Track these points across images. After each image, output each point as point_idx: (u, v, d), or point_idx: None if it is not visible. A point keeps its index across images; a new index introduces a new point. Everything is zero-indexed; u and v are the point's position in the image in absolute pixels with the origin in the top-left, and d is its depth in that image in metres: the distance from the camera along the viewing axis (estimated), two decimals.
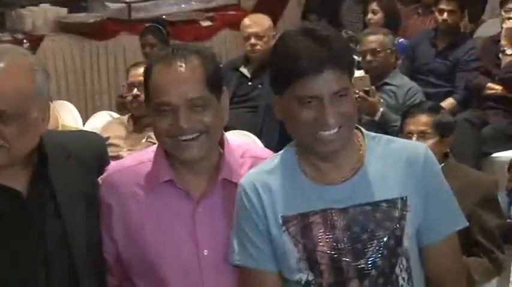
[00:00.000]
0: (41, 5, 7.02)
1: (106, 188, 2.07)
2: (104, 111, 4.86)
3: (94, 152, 2.14)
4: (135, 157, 2.20)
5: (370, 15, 6.27)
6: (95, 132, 2.62)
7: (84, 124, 4.81)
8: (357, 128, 1.94)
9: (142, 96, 3.69)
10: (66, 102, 5.03)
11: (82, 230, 2.00)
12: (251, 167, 2.03)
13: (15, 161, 1.91)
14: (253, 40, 5.06)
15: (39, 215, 1.96)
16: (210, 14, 7.60)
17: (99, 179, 2.08)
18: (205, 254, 2.01)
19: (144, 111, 3.53)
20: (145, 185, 2.04)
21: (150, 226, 2.02)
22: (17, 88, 1.86)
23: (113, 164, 2.15)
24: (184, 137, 1.94)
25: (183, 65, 1.95)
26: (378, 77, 4.85)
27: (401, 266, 1.88)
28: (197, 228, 2.01)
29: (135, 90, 3.99)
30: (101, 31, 6.99)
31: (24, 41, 6.12)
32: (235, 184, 1.97)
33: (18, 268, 1.92)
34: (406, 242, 1.87)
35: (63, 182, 1.99)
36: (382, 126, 4.41)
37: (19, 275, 1.92)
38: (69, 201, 1.99)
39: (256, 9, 7.10)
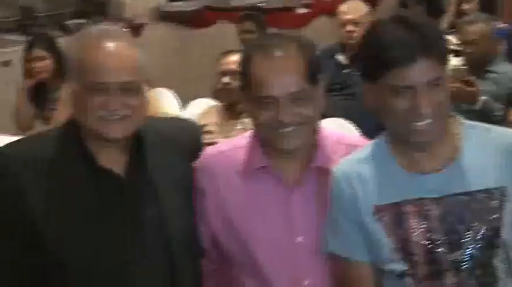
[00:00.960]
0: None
1: (201, 173, 2.10)
2: (202, 99, 4.90)
3: (189, 139, 2.18)
4: (229, 143, 2.22)
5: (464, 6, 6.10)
6: (190, 119, 2.65)
7: (182, 111, 4.89)
8: (453, 116, 1.90)
9: (233, 84, 3.82)
10: (165, 90, 5.10)
11: (178, 214, 2.04)
12: (345, 154, 2.01)
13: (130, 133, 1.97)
14: (349, 27, 4.98)
15: (137, 199, 2.00)
16: (307, 1, 7.58)
17: (195, 165, 2.11)
18: (299, 240, 2.01)
19: (236, 98, 3.61)
20: (240, 170, 2.05)
21: (244, 210, 2.04)
22: (137, 60, 1.95)
23: (208, 150, 2.17)
24: (283, 130, 1.94)
25: (284, 57, 1.95)
26: (480, 66, 4.72)
27: (500, 257, 1.83)
28: (291, 214, 2.01)
29: (226, 79, 4.01)
30: (199, 19, 7.06)
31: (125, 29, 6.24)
32: (329, 171, 1.96)
33: (115, 251, 1.95)
34: (505, 233, 1.82)
35: (159, 166, 2.03)
36: (484, 115, 4.28)
37: (116, 258, 1.96)
38: (165, 185, 2.03)
39: None
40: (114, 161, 1.98)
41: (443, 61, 1.82)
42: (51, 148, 1.97)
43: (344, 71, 4.99)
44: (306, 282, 2.02)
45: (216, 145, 2.28)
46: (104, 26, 2.02)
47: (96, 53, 1.91)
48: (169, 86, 5.27)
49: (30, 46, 4.83)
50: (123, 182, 1.99)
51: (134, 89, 1.93)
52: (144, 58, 1.98)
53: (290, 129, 1.94)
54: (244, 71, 2.00)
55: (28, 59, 4.76)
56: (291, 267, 2.02)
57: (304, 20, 7.38)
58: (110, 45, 1.92)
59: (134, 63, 1.94)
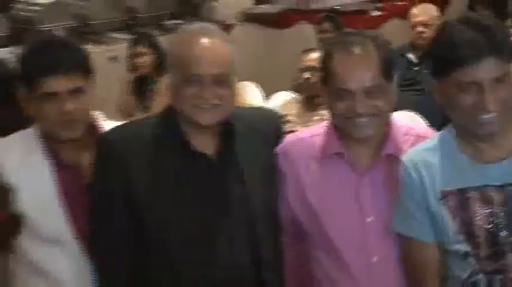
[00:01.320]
0: (235, 2, 7.24)
1: (282, 158, 2.09)
2: (283, 92, 4.90)
3: (272, 126, 2.18)
4: (308, 131, 2.20)
5: None
6: (273, 109, 2.64)
7: (265, 102, 4.89)
8: None
9: (313, 79, 3.80)
10: (250, 83, 5.11)
11: (260, 193, 2.04)
12: (414, 144, 1.98)
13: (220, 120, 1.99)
14: (420, 28, 4.93)
15: (225, 179, 2.02)
16: (379, 5, 7.50)
17: (277, 150, 2.10)
18: (369, 221, 2.00)
19: (315, 92, 3.64)
20: (317, 155, 2.05)
21: (320, 192, 2.03)
22: (228, 55, 1.97)
23: (288, 137, 2.17)
24: (358, 120, 1.92)
25: (362, 54, 1.93)
26: None
27: None
28: (361, 197, 2.00)
29: (307, 74, 3.97)
30: (282, 20, 7.07)
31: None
32: (398, 159, 1.93)
33: (204, 222, 1.97)
34: None
35: (245, 150, 2.04)
36: None
37: (205, 228, 1.98)
38: (250, 167, 2.04)
39: None
40: (205, 144, 2.00)
41: (509, 59, 1.77)
42: (150, 132, 2.01)
43: (414, 69, 4.93)
44: (375, 259, 2.00)
45: (295, 133, 2.28)
46: (201, 24, 2.04)
47: (193, 48, 1.93)
48: (254, 80, 5.27)
49: (134, 43, 4.91)
50: (212, 163, 2.00)
51: (225, 81, 1.94)
52: (234, 54, 1.99)
53: (364, 119, 1.92)
54: (325, 66, 1.98)
55: (132, 55, 4.85)
56: (361, 244, 2.00)
57: (377, 22, 7.31)
58: (206, 41, 1.94)
59: (226, 57, 1.96)
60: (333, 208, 2.02)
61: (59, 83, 2.01)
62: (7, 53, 5.22)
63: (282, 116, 2.32)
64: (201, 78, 1.91)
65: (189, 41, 1.95)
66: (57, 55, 2.03)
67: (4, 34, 5.79)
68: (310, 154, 2.06)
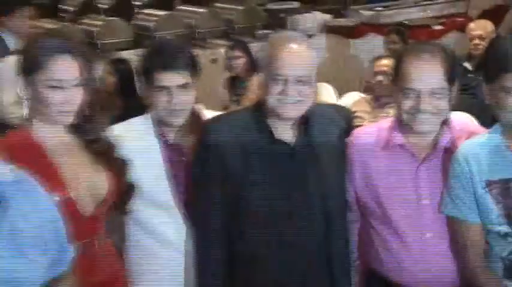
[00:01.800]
0: (313, 12, 7.15)
1: (352, 147, 2.08)
2: (354, 92, 4.85)
3: (344, 120, 2.16)
4: (375, 125, 2.20)
5: None
6: (345, 106, 2.63)
7: (338, 101, 4.85)
8: None
9: (384, 81, 3.77)
10: (325, 84, 5.07)
11: (332, 175, 2.05)
12: (466, 139, 1.96)
13: (298, 115, 1.99)
14: (476, 41, 4.82)
15: (303, 162, 2.02)
16: (441, 20, 7.30)
17: (347, 140, 2.10)
18: (425, 203, 1.98)
19: (384, 92, 3.68)
20: (383, 145, 2.03)
21: (382, 177, 2.02)
22: (312, 59, 1.97)
23: (358, 130, 2.16)
24: (421, 116, 1.91)
25: (430, 59, 1.91)
26: None
27: None
28: (419, 182, 1.98)
29: (379, 77, 3.95)
30: (355, 32, 6.96)
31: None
32: (453, 151, 1.93)
33: (285, 200, 1.99)
34: None
35: (320, 139, 2.03)
36: None
37: (286, 205, 2.00)
38: (325, 153, 2.04)
39: (481, 16, 6.70)
40: (287, 134, 2.01)
41: None
42: (242, 123, 2.04)
43: (469, 76, 4.79)
44: (428, 235, 1.99)
45: (364, 126, 2.27)
46: (290, 32, 2.05)
47: (281, 52, 1.94)
48: (329, 82, 5.23)
49: (231, 48, 4.96)
50: (293, 149, 2.01)
51: (306, 81, 1.95)
52: (315, 58, 1.99)
53: (426, 116, 1.90)
54: (398, 68, 1.97)
55: (229, 58, 4.89)
56: (416, 222, 1.99)
57: (439, 34, 7.11)
58: (292, 46, 1.95)
59: (308, 61, 1.96)
60: (394, 190, 2.00)
61: (170, 79, 2.05)
62: (131, 54, 5.34)
63: (351, 111, 2.31)
64: (286, 78, 1.92)
65: (278, 46, 1.96)
66: (170, 56, 2.07)
67: (129, 39, 5.93)
68: (377, 143, 2.04)
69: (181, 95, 2.07)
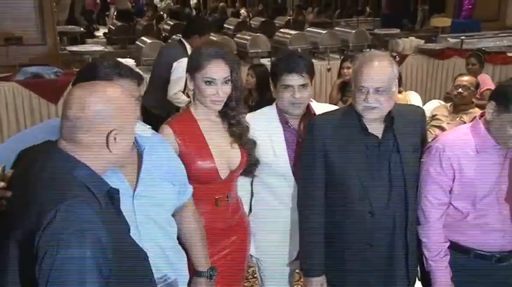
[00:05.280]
0: (409, 37, 6.84)
1: (444, 149, 1.88)
2: (436, 100, 4.57)
3: (419, 118, 2.00)
4: (459, 131, 1.97)
5: None
6: (419, 107, 2.39)
7: (423, 106, 4.59)
8: None
9: (464, 94, 3.59)
10: (413, 92, 4.81)
11: (411, 162, 1.90)
12: None
13: (382, 117, 1.87)
14: None
15: (387, 150, 1.90)
16: None
17: (438, 145, 1.90)
18: (502, 187, 1.83)
19: (462, 102, 3.56)
20: (473, 148, 1.85)
21: (474, 171, 1.84)
22: (390, 73, 1.82)
23: (446, 135, 1.98)
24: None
25: None
26: None
27: None
28: (503, 174, 1.83)
29: (460, 90, 3.69)
30: (442, 55, 6.55)
31: (396, 57, 5.97)
32: None
33: (373, 181, 1.86)
34: None
35: (401, 132, 1.90)
36: None
37: (374, 185, 1.87)
38: (405, 145, 1.90)
39: None
40: (375, 129, 1.89)
41: None
42: (341, 118, 1.93)
43: None
44: (505, 212, 1.85)
45: (453, 132, 2.02)
46: (375, 51, 1.94)
47: (364, 67, 1.82)
48: (418, 91, 4.96)
49: (342, 61, 4.82)
50: (380, 141, 1.89)
51: (383, 91, 1.81)
52: (393, 73, 1.83)
53: None
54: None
55: (341, 68, 4.75)
56: (498, 202, 1.84)
57: (511, 60, 6.50)
58: (373, 63, 1.82)
59: (386, 75, 1.81)
60: (482, 181, 1.83)
61: (294, 79, 2.01)
62: (267, 61, 5.46)
63: (425, 112, 2.10)
64: (367, 89, 1.81)
65: (362, 63, 1.84)
66: (295, 62, 2.03)
67: (268, 50, 5.98)
68: (467, 146, 1.85)
69: (301, 92, 2.02)
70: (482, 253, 1.88)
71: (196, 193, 1.83)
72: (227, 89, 1.89)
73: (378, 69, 1.81)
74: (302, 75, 2.01)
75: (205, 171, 1.87)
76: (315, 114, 2.09)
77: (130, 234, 1.30)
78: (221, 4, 13.46)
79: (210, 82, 1.86)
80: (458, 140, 1.89)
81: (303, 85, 2.02)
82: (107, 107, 1.18)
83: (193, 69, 1.89)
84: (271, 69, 2.13)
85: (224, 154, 1.93)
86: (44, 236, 1.06)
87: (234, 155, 1.96)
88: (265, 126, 2.07)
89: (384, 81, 1.80)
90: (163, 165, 1.64)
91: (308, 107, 2.12)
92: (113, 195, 1.24)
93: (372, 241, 1.90)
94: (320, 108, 2.14)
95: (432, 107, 4.10)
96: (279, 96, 2.06)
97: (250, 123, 2.03)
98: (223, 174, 1.93)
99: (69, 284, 1.03)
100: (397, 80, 1.86)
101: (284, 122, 2.09)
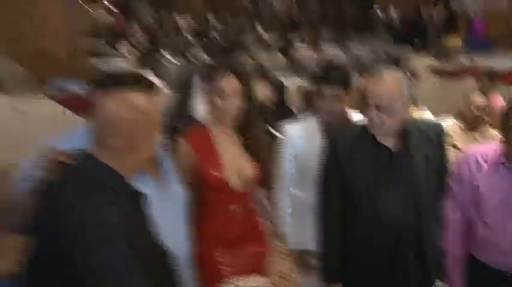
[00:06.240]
0: (421, 56, 6.95)
1: (464, 164, 1.96)
2: (448, 117, 4.58)
3: (435, 132, 1.99)
4: (480, 148, 2.04)
5: None
6: (438, 123, 2.41)
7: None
8: None
9: (476, 113, 3.60)
10: (425, 108, 4.83)
11: (423, 173, 1.91)
12: None
13: (390, 132, 1.89)
14: None
15: (400, 162, 1.91)
16: None
17: (458, 160, 1.98)
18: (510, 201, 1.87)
19: (474, 121, 3.55)
20: (488, 163, 1.92)
21: (487, 187, 1.91)
22: (395, 91, 1.84)
23: (469, 150, 2.04)
24: None
25: None
26: None
27: None
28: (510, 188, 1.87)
29: (472, 109, 3.72)
30: (454, 74, 6.62)
31: (410, 75, 6.01)
32: None
33: (383, 189, 1.89)
34: None
35: (414, 144, 1.92)
36: None
37: (383, 193, 1.89)
38: (418, 158, 1.91)
39: None
40: (388, 141, 1.91)
41: None
42: (356, 132, 1.97)
43: None
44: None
45: (473, 148, 2.09)
46: (387, 69, 1.92)
47: (371, 85, 1.87)
48: (429, 108, 4.97)
49: (359, 76, 4.86)
50: (392, 153, 1.91)
51: (386, 109, 1.84)
52: (399, 91, 1.84)
53: None
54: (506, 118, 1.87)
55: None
56: (506, 218, 1.87)
57: None
58: (380, 81, 1.85)
59: (390, 94, 1.83)
60: (493, 196, 1.89)
61: (329, 90, 2.17)
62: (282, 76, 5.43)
63: (443, 127, 2.10)
64: (372, 106, 1.85)
65: (370, 80, 1.89)
66: (331, 74, 2.19)
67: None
68: (484, 162, 1.93)
69: (335, 102, 2.15)
70: (496, 269, 1.90)
71: (208, 199, 1.96)
72: (239, 103, 1.96)
73: (383, 88, 1.82)
74: (335, 86, 2.19)
75: (214, 179, 1.96)
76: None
77: (158, 235, 1.33)
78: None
79: (222, 96, 1.95)
80: (475, 154, 1.95)
81: (336, 95, 2.19)
82: (134, 114, 1.20)
83: (207, 83, 1.99)
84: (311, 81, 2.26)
85: (234, 167, 1.99)
86: (76, 240, 1.09)
87: (245, 168, 2.01)
88: (300, 132, 2.29)
89: (387, 100, 1.81)
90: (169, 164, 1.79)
91: (344, 115, 2.25)
92: (140, 198, 1.28)
93: (382, 252, 1.91)
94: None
95: (444, 124, 4.10)
96: (319, 106, 2.25)
97: (290, 133, 2.24)
98: (235, 185, 1.99)
99: (116, 278, 1.08)
100: (406, 98, 1.86)
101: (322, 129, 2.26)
